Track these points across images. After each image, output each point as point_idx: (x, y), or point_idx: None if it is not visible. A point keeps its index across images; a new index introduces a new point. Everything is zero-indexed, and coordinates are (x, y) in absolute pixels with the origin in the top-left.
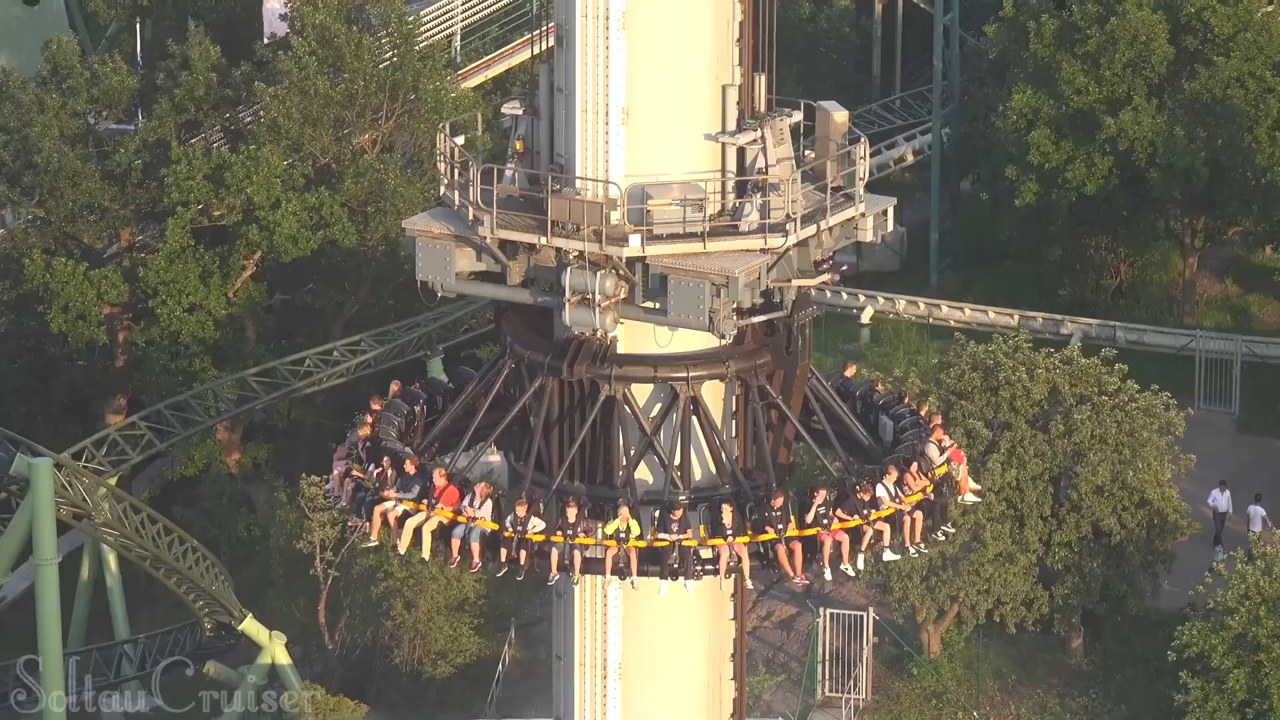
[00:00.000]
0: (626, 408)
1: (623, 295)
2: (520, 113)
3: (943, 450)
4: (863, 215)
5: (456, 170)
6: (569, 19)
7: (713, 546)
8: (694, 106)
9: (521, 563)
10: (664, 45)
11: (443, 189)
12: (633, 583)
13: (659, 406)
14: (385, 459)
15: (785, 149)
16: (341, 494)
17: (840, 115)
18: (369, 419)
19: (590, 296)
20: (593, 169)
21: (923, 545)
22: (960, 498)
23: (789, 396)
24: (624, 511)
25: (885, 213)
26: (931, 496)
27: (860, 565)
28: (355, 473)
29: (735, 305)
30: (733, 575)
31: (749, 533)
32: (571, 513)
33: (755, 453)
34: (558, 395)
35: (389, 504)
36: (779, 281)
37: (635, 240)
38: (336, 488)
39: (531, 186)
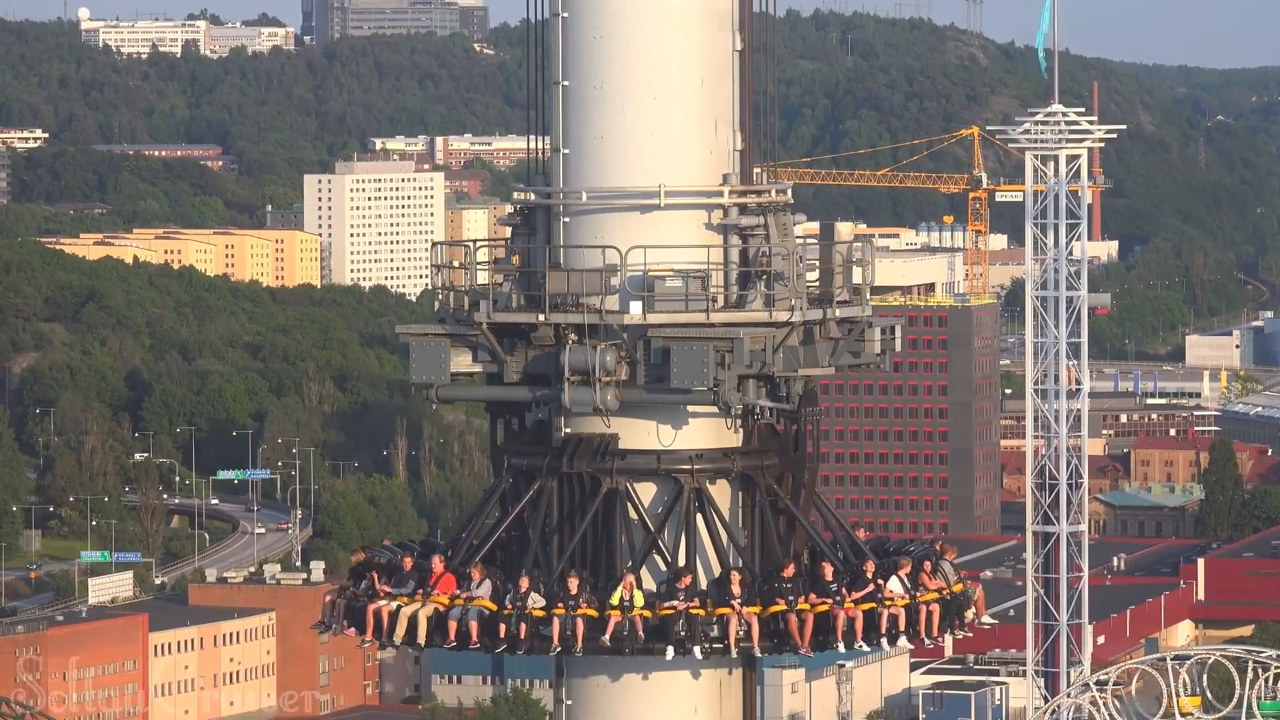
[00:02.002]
0: (629, 504)
1: (623, 375)
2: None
3: (956, 571)
4: (869, 324)
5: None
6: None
7: (721, 615)
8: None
9: (521, 637)
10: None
11: (438, 302)
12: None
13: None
14: (372, 571)
15: (790, 243)
16: (333, 620)
17: (845, 226)
18: (361, 552)
19: (590, 372)
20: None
21: (940, 638)
22: (979, 619)
23: (798, 499)
24: (628, 579)
25: (893, 329)
26: (948, 598)
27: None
28: (349, 590)
29: (740, 376)
30: (741, 651)
31: (759, 602)
32: (573, 584)
33: (763, 556)
34: (557, 497)
35: (383, 601)
36: (785, 371)
37: (636, 308)
38: (328, 615)
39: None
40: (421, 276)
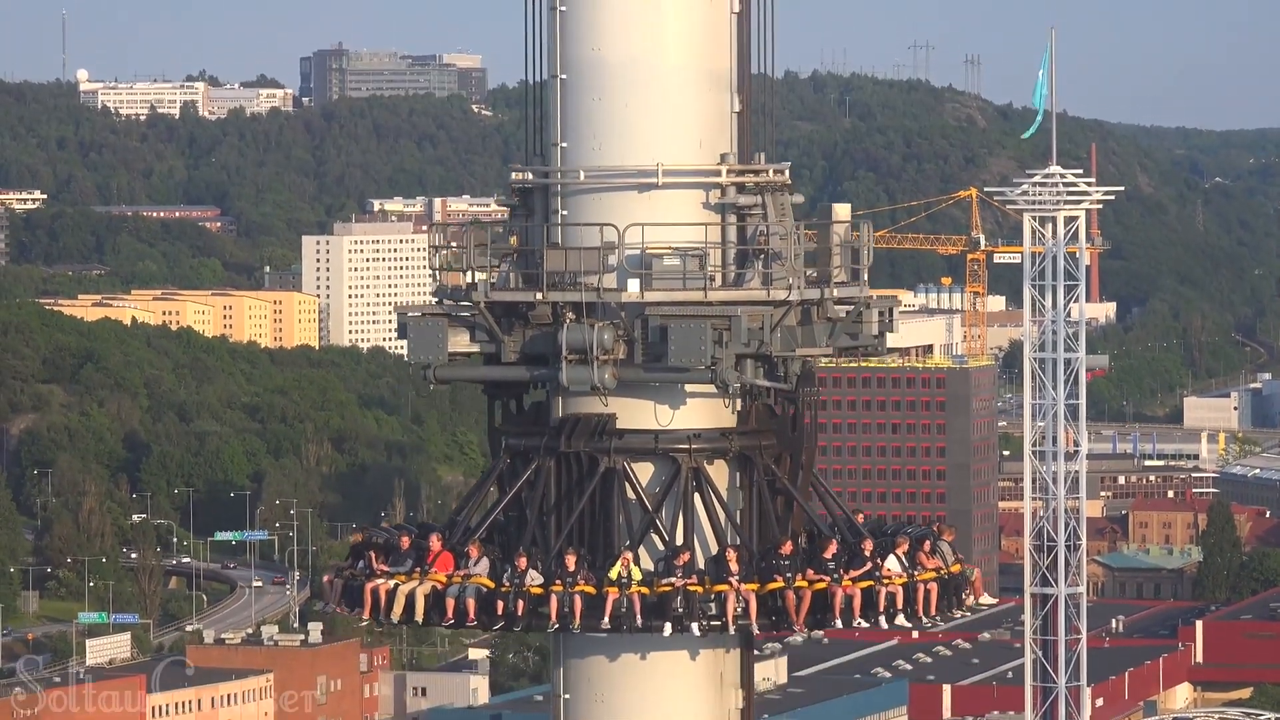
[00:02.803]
0: (627, 484)
1: (621, 353)
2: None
3: (954, 552)
4: (867, 305)
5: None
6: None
7: (718, 592)
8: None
9: (519, 614)
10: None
11: (435, 282)
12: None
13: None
14: (370, 551)
15: (788, 223)
16: (330, 597)
17: (843, 208)
18: (359, 533)
19: (588, 351)
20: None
21: (938, 618)
22: (976, 599)
23: (796, 479)
24: (625, 556)
25: (890, 311)
26: (945, 577)
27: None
28: (346, 571)
29: (737, 356)
30: (739, 629)
31: (756, 580)
32: (571, 561)
33: (761, 537)
34: (555, 476)
35: (380, 580)
36: (783, 351)
37: (634, 285)
38: (326, 595)
39: (526, 286)
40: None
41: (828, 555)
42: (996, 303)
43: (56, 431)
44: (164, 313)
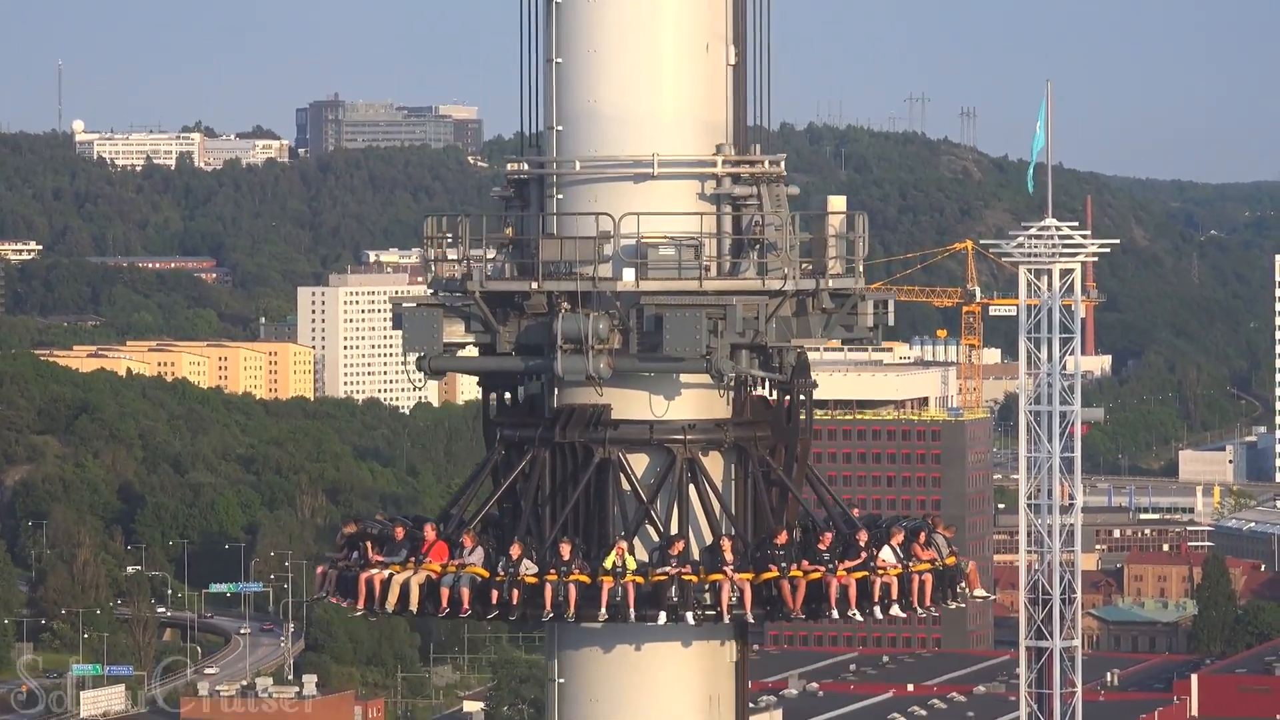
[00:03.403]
0: (622, 474)
1: (616, 343)
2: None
3: (949, 544)
4: (862, 297)
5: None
6: None
7: (713, 581)
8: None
9: (514, 603)
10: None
11: (430, 273)
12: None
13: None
14: (366, 541)
15: (783, 213)
16: (324, 588)
17: (838, 199)
18: (353, 524)
19: (583, 340)
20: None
21: (933, 609)
22: (971, 591)
23: (791, 470)
24: (620, 545)
25: (886, 304)
26: (940, 569)
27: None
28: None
29: (732, 345)
30: (734, 618)
31: (751, 569)
32: (565, 550)
33: (755, 528)
34: (549, 467)
35: (375, 570)
36: (777, 341)
37: (629, 275)
38: (319, 585)
39: (521, 275)
40: (417, 389)
41: (823, 546)
42: (992, 355)
43: (51, 483)
44: (159, 364)
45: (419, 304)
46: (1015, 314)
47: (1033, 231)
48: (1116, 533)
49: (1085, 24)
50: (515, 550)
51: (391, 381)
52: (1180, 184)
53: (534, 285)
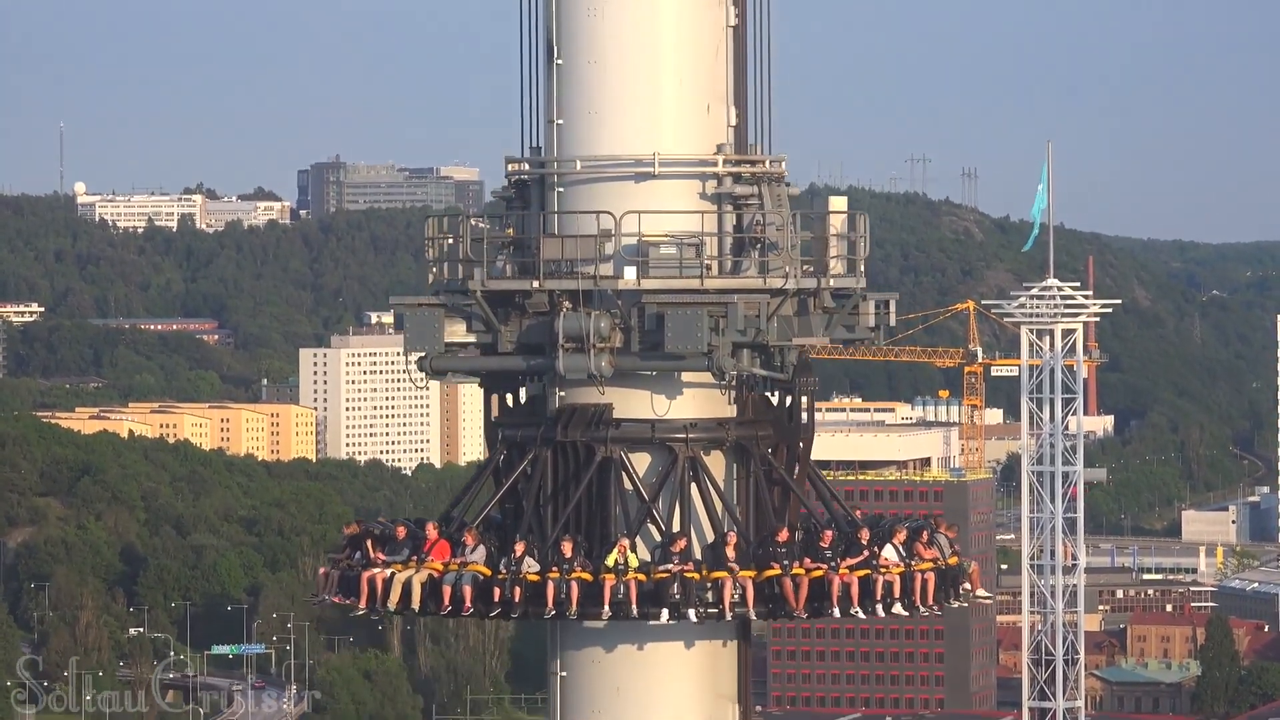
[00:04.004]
0: (624, 473)
1: (617, 342)
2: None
3: (952, 544)
4: (864, 297)
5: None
6: None
7: (716, 579)
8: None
9: (516, 601)
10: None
11: (431, 275)
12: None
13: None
14: (367, 540)
15: (784, 213)
16: (326, 589)
17: (839, 199)
18: (355, 524)
19: (585, 339)
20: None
21: (935, 608)
22: (973, 592)
23: (793, 470)
24: (622, 543)
25: (888, 304)
26: (943, 568)
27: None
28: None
29: (734, 344)
30: (736, 616)
31: (754, 566)
32: (567, 548)
33: (758, 527)
34: (551, 466)
35: (377, 569)
36: (779, 340)
37: (631, 273)
38: (321, 587)
39: (523, 275)
40: (419, 450)
41: (824, 544)
42: (994, 416)
43: (53, 545)
44: (161, 425)
45: (420, 304)
46: (1017, 374)
47: (1034, 292)
48: (1120, 593)
49: (1085, 85)
50: (518, 548)
51: (394, 443)
52: (1182, 244)
53: (535, 284)
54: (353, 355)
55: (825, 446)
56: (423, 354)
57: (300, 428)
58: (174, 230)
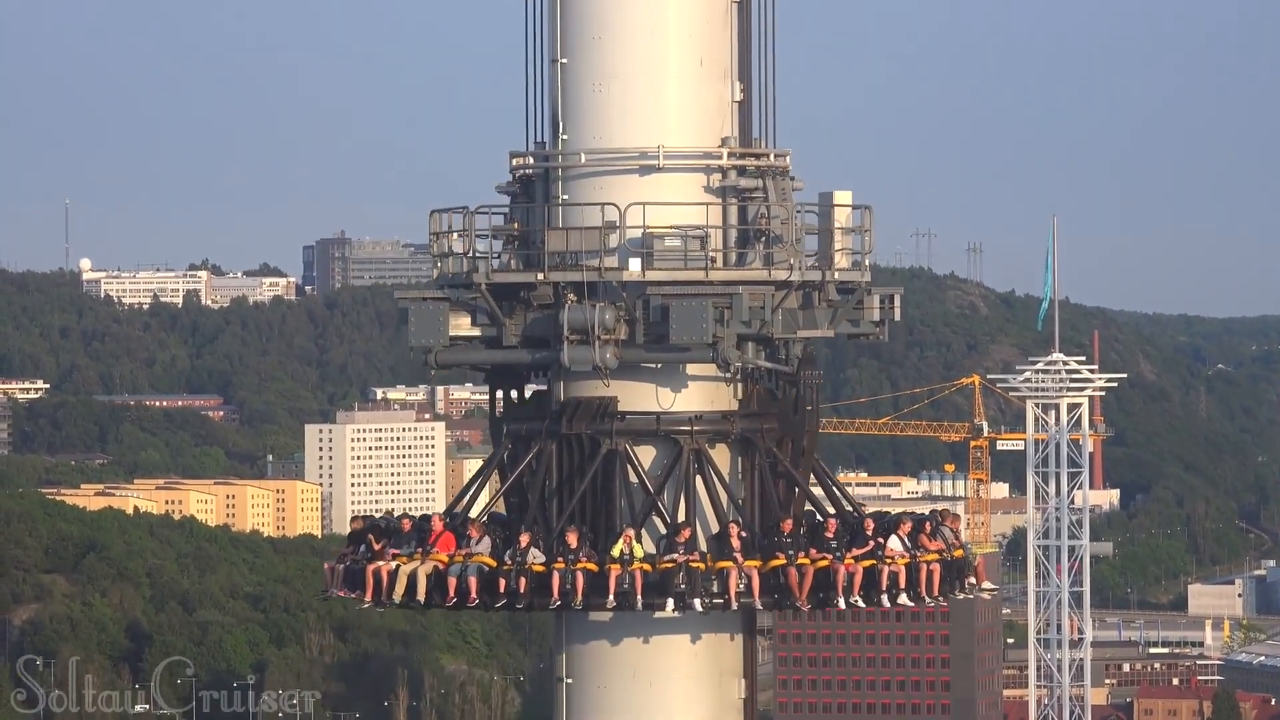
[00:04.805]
0: (629, 466)
1: (622, 334)
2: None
3: (957, 536)
4: (868, 291)
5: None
6: None
7: (721, 568)
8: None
9: (521, 592)
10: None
11: (436, 270)
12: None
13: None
14: (370, 534)
15: (788, 206)
16: (332, 585)
17: (844, 194)
18: (359, 520)
19: (589, 331)
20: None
21: (941, 599)
22: (979, 585)
23: (798, 462)
24: (628, 533)
25: (893, 298)
26: (948, 559)
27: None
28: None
29: (739, 336)
30: (741, 606)
31: (759, 556)
32: (572, 539)
33: (762, 519)
34: (556, 459)
35: (382, 562)
36: (784, 333)
37: (635, 264)
38: (327, 583)
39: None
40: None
41: (829, 534)
42: (1000, 490)
43: (59, 621)
44: (167, 502)
45: (425, 298)
46: (1023, 448)
47: (1040, 366)
48: (1126, 667)
49: (1090, 160)
50: (523, 539)
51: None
52: (1187, 318)
53: (540, 276)
54: (358, 431)
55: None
56: (428, 348)
57: (306, 503)
58: (179, 306)
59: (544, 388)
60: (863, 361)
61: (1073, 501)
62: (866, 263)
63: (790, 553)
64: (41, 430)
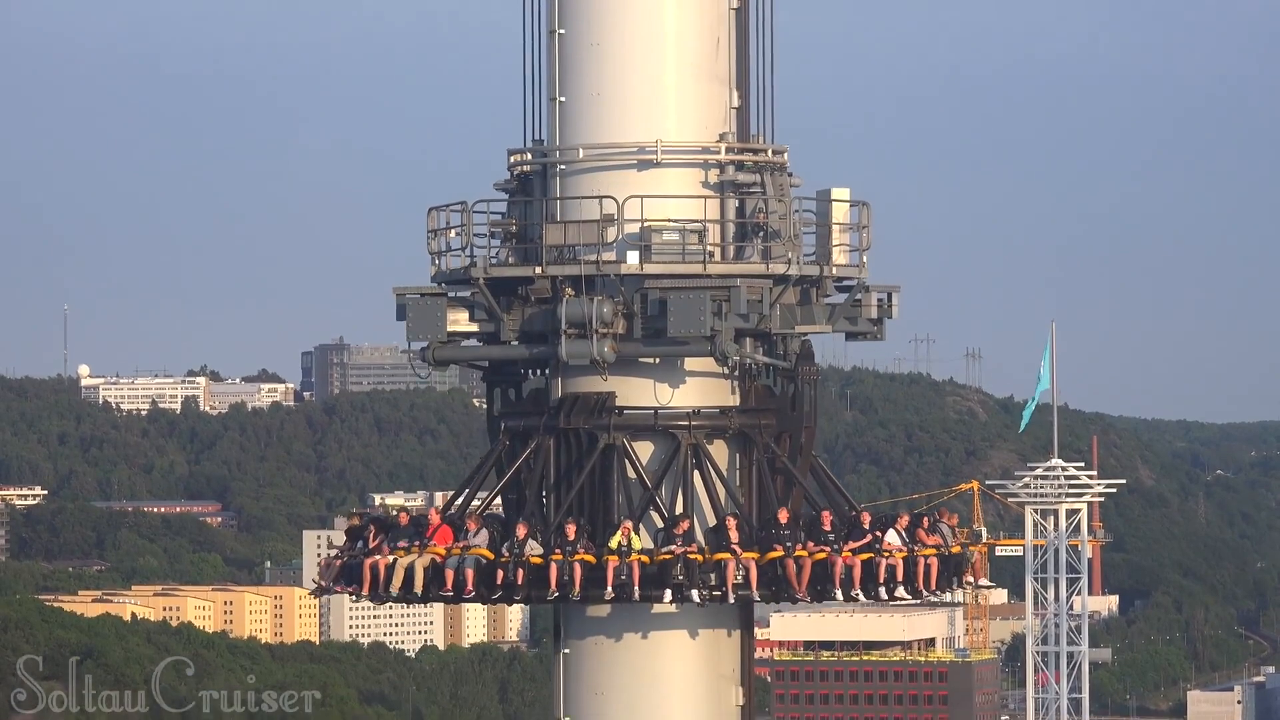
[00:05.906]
0: (627, 460)
1: (620, 328)
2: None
3: (955, 534)
4: (866, 288)
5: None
6: None
7: (719, 560)
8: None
9: (519, 584)
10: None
11: (433, 266)
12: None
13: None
14: (368, 530)
15: (787, 202)
16: (326, 580)
17: (841, 190)
18: (356, 515)
19: (587, 324)
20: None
21: (939, 593)
22: (977, 580)
23: (796, 459)
24: (626, 525)
25: (890, 296)
26: (946, 554)
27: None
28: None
29: (737, 330)
30: (740, 598)
31: (756, 549)
32: (570, 530)
33: (760, 515)
34: (554, 454)
35: (378, 556)
36: (782, 328)
37: (633, 258)
38: (325, 578)
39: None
40: (422, 632)
41: (825, 526)
42: (999, 596)
43: None
44: (164, 608)
45: (422, 294)
46: (1022, 554)
47: (1039, 472)
48: None
49: (1088, 265)
50: (521, 531)
51: (397, 624)
52: (1186, 424)
53: (538, 270)
54: None
55: (830, 627)
56: (425, 344)
57: (304, 610)
58: (177, 412)
59: (541, 385)
60: (862, 468)
61: (1072, 607)
62: (864, 259)
63: (788, 544)
64: (39, 536)
